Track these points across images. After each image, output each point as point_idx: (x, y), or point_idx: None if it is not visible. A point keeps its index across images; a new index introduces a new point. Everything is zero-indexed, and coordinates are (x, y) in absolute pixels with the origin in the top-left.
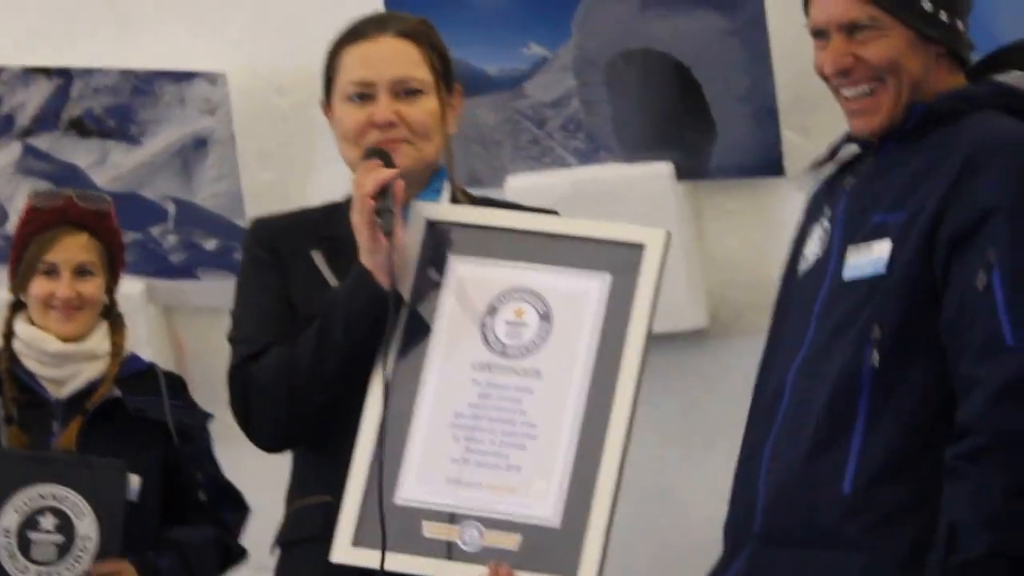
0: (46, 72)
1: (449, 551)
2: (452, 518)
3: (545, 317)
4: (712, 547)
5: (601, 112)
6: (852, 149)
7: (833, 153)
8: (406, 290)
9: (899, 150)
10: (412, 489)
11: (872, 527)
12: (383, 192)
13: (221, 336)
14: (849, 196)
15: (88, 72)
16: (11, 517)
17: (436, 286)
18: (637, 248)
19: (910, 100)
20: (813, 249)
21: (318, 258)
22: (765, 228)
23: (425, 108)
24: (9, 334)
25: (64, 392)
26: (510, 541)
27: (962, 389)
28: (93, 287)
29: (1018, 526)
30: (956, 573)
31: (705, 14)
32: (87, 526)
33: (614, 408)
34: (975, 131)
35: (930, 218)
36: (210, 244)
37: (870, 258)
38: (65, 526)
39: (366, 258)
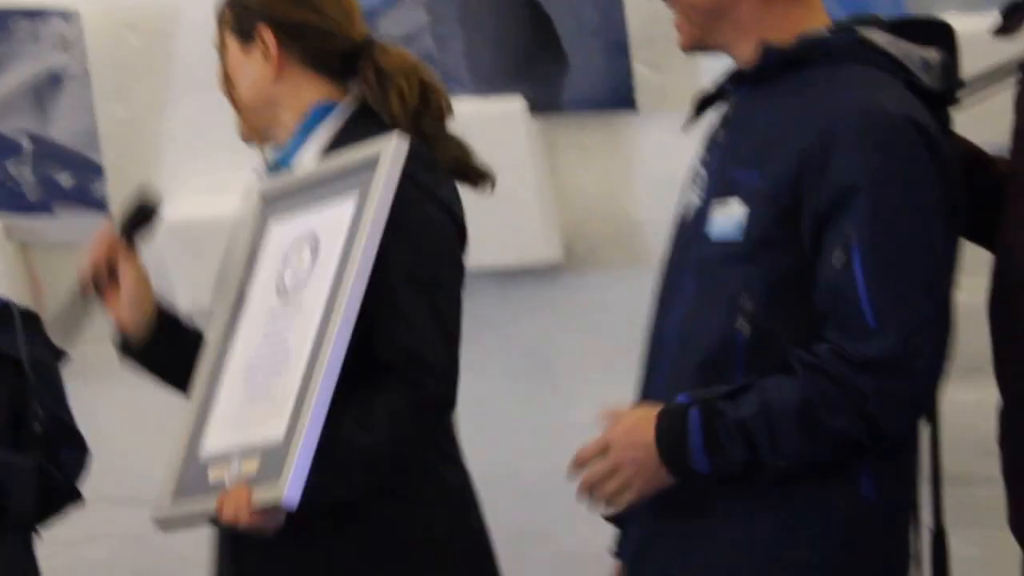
0: None
1: (218, 488)
2: (226, 458)
3: (315, 251)
4: (562, 487)
5: (453, 48)
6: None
7: (714, 96)
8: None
9: (755, 96)
10: (209, 442)
11: (745, 495)
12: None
13: (76, 272)
14: (720, 148)
15: None
16: None
17: (256, 255)
18: (374, 160)
19: (702, 29)
20: (693, 197)
21: None
22: (619, 163)
23: (230, 66)
24: None
25: None
26: (251, 466)
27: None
28: None
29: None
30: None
31: None
32: None
33: (333, 318)
34: (834, 96)
35: (788, 188)
36: (66, 180)
37: (728, 217)
38: None
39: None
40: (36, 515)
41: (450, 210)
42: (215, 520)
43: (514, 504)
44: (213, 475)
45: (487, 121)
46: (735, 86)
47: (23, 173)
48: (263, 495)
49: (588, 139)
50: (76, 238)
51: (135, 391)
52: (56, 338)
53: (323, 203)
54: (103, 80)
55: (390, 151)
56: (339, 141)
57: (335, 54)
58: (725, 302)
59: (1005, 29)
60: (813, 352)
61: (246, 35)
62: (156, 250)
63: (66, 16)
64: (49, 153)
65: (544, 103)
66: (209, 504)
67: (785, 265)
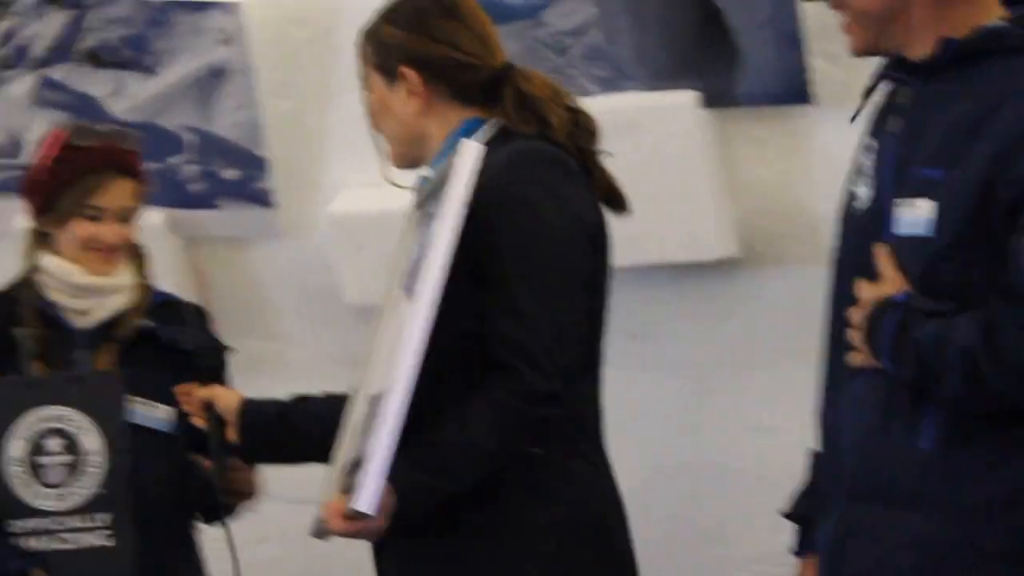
0: (58, 2)
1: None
2: (354, 468)
3: (425, 256)
4: (740, 480)
5: (623, 40)
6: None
7: (872, 88)
8: None
9: (934, 93)
10: (346, 450)
11: (947, 485)
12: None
13: (242, 266)
14: (896, 141)
15: (101, 3)
16: (18, 446)
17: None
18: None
19: (875, 33)
20: (864, 189)
21: None
22: (795, 156)
23: (368, 106)
24: (34, 266)
25: (87, 322)
26: (353, 480)
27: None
28: (134, 231)
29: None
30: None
31: None
32: (91, 441)
33: (415, 318)
34: (1020, 94)
35: (979, 186)
36: (229, 174)
37: (916, 216)
38: (71, 445)
39: None
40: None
41: (577, 213)
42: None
43: (691, 503)
44: (324, 503)
45: (658, 114)
46: (908, 76)
47: (186, 167)
48: (350, 504)
49: (764, 133)
50: (240, 232)
51: (303, 384)
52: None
53: (438, 209)
54: (266, 74)
55: (466, 152)
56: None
57: (477, 84)
58: (921, 291)
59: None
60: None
61: (390, 73)
62: (321, 243)
63: (228, 9)
64: (212, 147)
65: (716, 96)
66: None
67: (975, 256)
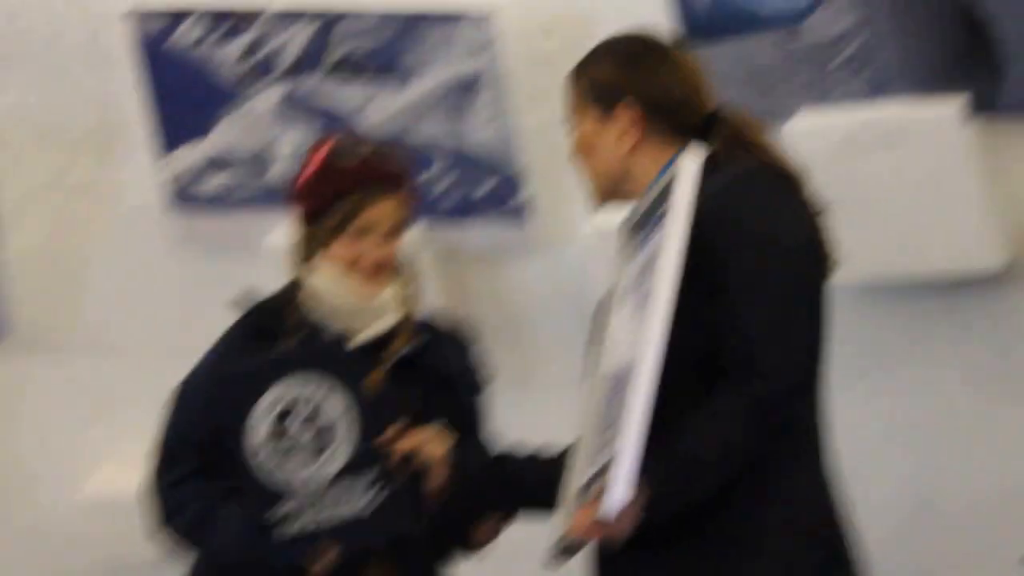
0: (304, 15)
1: None
2: (589, 486)
3: (651, 275)
4: (1006, 502)
5: (886, 49)
6: None
7: None
8: None
9: None
10: (580, 473)
11: None
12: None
13: (496, 281)
14: None
15: (348, 15)
16: (260, 431)
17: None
18: (672, 185)
19: None
20: None
21: None
22: None
23: (583, 138)
24: (299, 282)
25: (357, 338)
26: (598, 488)
27: None
28: (400, 248)
29: None
30: None
31: None
32: (333, 407)
33: (651, 325)
34: None
35: None
36: (482, 188)
37: None
38: (313, 416)
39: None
40: None
41: (802, 229)
42: (577, 542)
43: (967, 522)
44: (573, 513)
45: (923, 124)
46: None
47: (439, 181)
48: (606, 504)
49: None
50: (494, 247)
51: (557, 401)
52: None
53: (658, 226)
54: (518, 85)
55: (686, 165)
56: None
57: (690, 124)
58: None
59: None
60: None
61: (606, 110)
62: (577, 257)
63: (479, 20)
64: (464, 160)
65: (983, 105)
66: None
67: None
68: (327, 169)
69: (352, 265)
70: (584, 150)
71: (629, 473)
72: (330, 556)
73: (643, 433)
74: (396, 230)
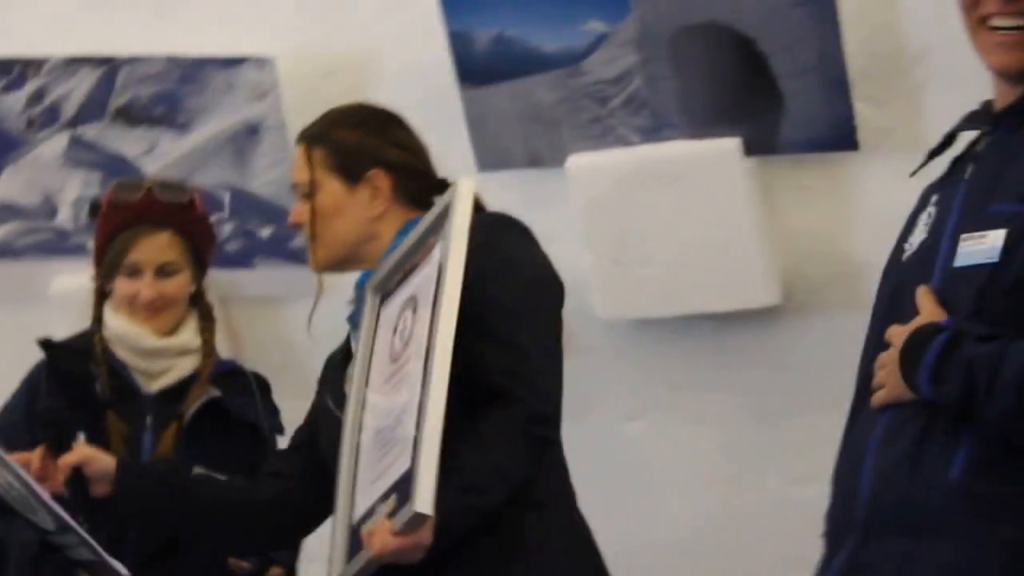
0: (90, 61)
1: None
2: (371, 512)
3: (415, 310)
4: (788, 530)
5: (664, 89)
6: (967, 136)
7: (949, 140)
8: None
9: (1012, 140)
10: (358, 509)
11: (979, 516)
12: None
13: (276, 326)
14: (968, 185)
15: (133, 60)
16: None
17: (376, 334)
18: (445, 212)
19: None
20: (918, 236)
21: None
22: (840, 203)
23: (309, 207)
24: (99, 321)
25: (156, 386)
26: (390, 504)
27: None
28: (175, 286)
29: None
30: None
31: None
32: None
33: (435, 349)
34: None
35: None
36: (265, 232)
37: (982, 247)
38: None
39: None
40: None
41: (550, 270)
42: (373, 561)
43: (732, 553)
44: (364, 531)
45: (701, 163)
46: (992, 128)
47: (222, 226)
48: (401, 517)
49: (807, 179)
50: (276, 291)
51: None
52: None
53: (416, 268)
54: (299, 128)
55: (462, 189)
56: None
57: (427, 191)
58: (973, 318)
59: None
60: None
61: (353, 176)
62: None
63: (260, 64)
64: (248, 205)
65: (760, 144)
66: (365, 553)
67: None
68: (104, 210)
69: (131, 303)
70: (326, 215)
71: (429, 485)
72: None
73: (437, 450)
74: (167, 268)
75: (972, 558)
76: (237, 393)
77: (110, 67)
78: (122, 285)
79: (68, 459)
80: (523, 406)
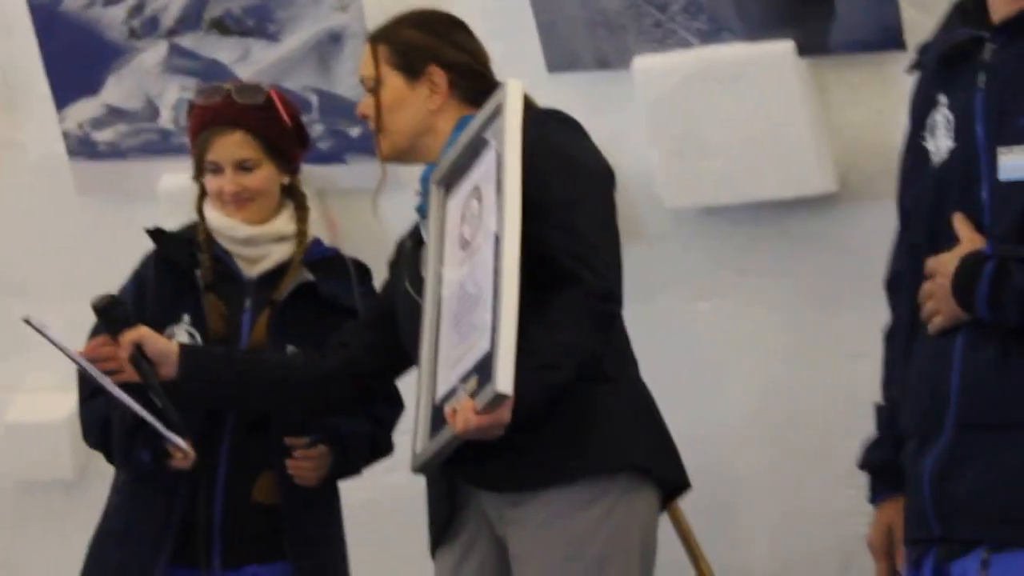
0: None
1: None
2: (453, 392)
3: (479, 199)
4: (842, 402)
5: None
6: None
7: (950, 44)
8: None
9: (1015, 47)
10: (439, 388)
11: None
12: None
13: (369, 216)
14: (987, 95)
15: None
16: None
17: (445, 224)
18: (499, 109)
19: None
20: (942, 142)
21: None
22: (889, 99)
23: (383, 100)
24: (201, 213)
25: (255, 271)
26: (472, 385)
27: None
28: (256, 179)
29: None
30: None
31: None
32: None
33: (504, 239)
34: None
35: None
36: (354, 131)
37: (1021, 160)
38: None
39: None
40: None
41: (605, 161)
42: (456, 438)
43: (794, 425)
44: (448, 409)
45: (758, 63)
46: (996, 31)
47: (313, 126)
48: (483, 397)
49: (857, 78)
50: (366, 184)
51: None
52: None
53: (475, 160)
54: None
55: (511, 90)
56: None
57: (482, 91)
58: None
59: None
60: None
61: (413, 72)
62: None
63: None
64: (335, 106)
65: (812, 45)
66: (448, 431)
67: None
68: (189, 115)
69: (219, 197)
70: (389, 107)
71: (509, 367)
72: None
73: (514, 335)
74: (245, 164)
75: None
76: (334, 279)
77: None
78: (208, 181)
79: (128, 336)
80: (588, 286)
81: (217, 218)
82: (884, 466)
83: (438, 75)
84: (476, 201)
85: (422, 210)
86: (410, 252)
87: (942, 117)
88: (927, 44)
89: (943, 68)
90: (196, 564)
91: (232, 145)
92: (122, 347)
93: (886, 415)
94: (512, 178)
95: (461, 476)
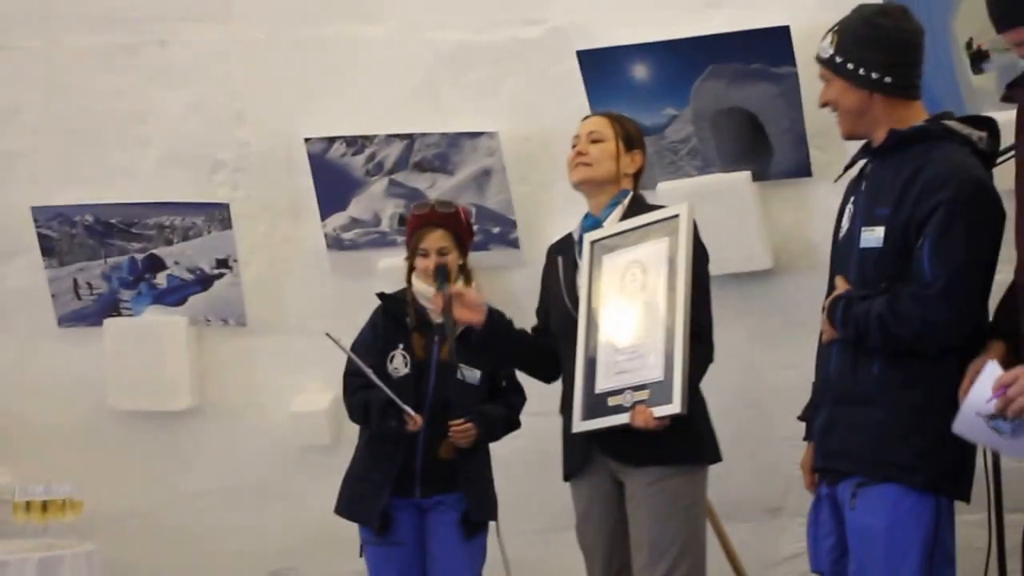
0: (398, 136)
1: (621, 409)
2: (620, 392)
3: (644, 271)
4: (778, 397)
5: (709, 144)
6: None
7: (852, 164)
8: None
9: (887, 162)
10: (600, 384)
11: (892, 391)
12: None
13: (501, 284)
14: (864, 194)
15: (423, 135)
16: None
17: (599, 275)
18: (675, 218)
19: (854, 127)
20: (846, 224)
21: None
22: (805, 208)
23: (601, 148)
24: (409, 283)
25: (439, 317)
26: (644, 394)
27: (901, 315)
28: (448, 260)
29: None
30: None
31: (765, 85)
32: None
33: (678, 304)
34: (935, 162)
35: (906, 216)
36: (495, 229)
37: (874, 235)
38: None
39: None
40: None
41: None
42: (627, 425)
43: (753, 408)
44: (612, 402)
45: (727, 186)
46: (872, 157)
47: (473, 227)
48: (663, 410)
49: (785, 194)
50: (502, 264)
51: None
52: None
53: (639, 244)
54: (513, 171)
55: (686, 212)
56: (628, 212)
57: (637, 181)
58: (874, 283)
59: (1006, 99)
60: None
61: (630, 146)
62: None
63: (491, 136)
64: (485, 214)
65: (760, 174)
66: (620, 418)
67: (904, 256)
68: (408, 219)
69: (425, 272)
70: (611, 155)
71: (683, 393)
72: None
73: (686, 368)
74: (443, 250)
75: (888, 418)
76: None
77: (410, 139)
78: (420, 262)
79: (451, 288)
80: (704, 343)
81: (420, 285)
82: (809, 420)
83: (639, 157)
84: (639, 271)
85: (580, 244)
86: (566, 269)
87: (848, 210)
88: (846, 167)
89: (854, 180)
90: (405, 494)
91: (436, 238)
92: (442, 297)
93: (814, 390)
94: (685, 270)
95: (598, 445)
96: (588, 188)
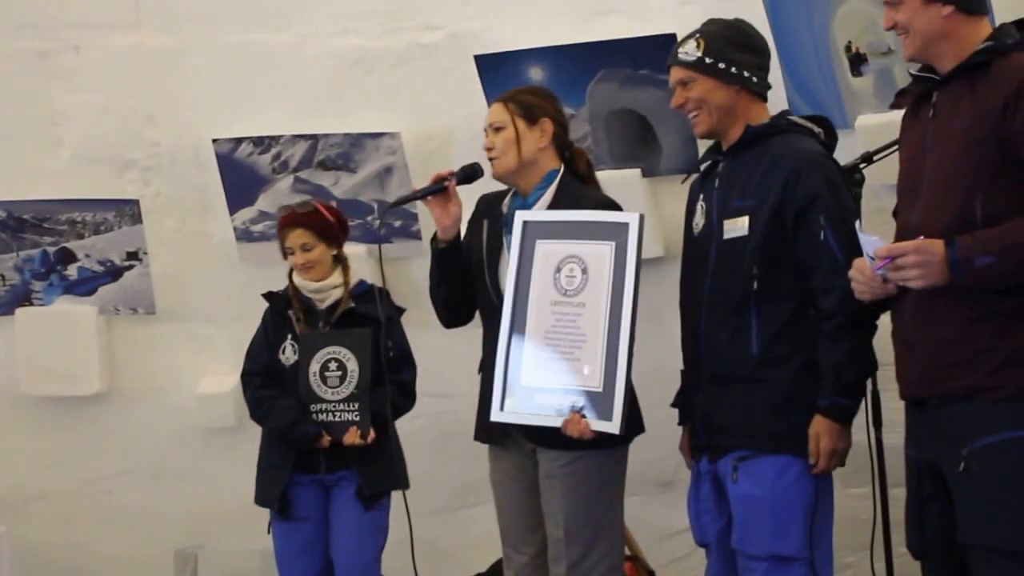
0: (304, 137)
1: (553, 411)
2: (548, 392)
3: (584, 271)
4: (665, 371)
5: (603, 143)
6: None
7: (703, 161)
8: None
9: (742, 158)
10: (526, 376)
11: (767, 370)
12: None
13: (404, 271)
14: (718, 188)
15: (326, 136)
16: (314, 366)
17: (530, 259)
18: (624, 226)
19: (718, 123)
20: (699, 220)
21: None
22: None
23: (503, 136)
24: (291, 278)
25: (323, 305)
26: (577, 401)
27: (821, 292)
28: (314, 255)
29: (860, 364)
30: (842, 391)
31: (652, 89)
32: (353, 364)
33: (622, 320)
34: (792, 150)
35: (775, 202)
36: (397, 223)
37: (737, 226)
38: (342, 366)
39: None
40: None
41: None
42: (557, 428)
43: (651, 388)
44: (539, 399)
45: (621, 182)
46: (723, 156)
47: (374, 221)
48: (599, 425)
49: (673, 188)
50: (405, 255)
51: (445, 339)
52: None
53: (582, 240)
54: (415, 168)
55: (636, 220)
56: (558, 194)
57: (564, 145)
58: (743, 272)
59: (895, 106)
60: None
61: (532, 120)
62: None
63: (392, 136)
64: (387, 209)
65: (650, 170)
66: (551, 420)
67: (774, 244)
68: (278, 221)
69: (296, 268)
70: (510, 144)
71: (622, 412)
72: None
73: (627, 385)
74: (305, 246)
75: (768, 393)
76: (366, 302)
77: (314, 140)
78: (290, 259)
79: (451, 186)
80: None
81: (298, 280)
82: (683, 406)
83: (548, 126)
84: (579, 269)
85: (508, 223)
86: (488, 240)
87: (699, 206)
88: (696, 166)
89: (701, 179)
90: (310, 471)
91: (295, 236)
92: (439, 200)
93: (683, 374)
94: (631, 277)
95: (524, 433)
96: (509, 178)
